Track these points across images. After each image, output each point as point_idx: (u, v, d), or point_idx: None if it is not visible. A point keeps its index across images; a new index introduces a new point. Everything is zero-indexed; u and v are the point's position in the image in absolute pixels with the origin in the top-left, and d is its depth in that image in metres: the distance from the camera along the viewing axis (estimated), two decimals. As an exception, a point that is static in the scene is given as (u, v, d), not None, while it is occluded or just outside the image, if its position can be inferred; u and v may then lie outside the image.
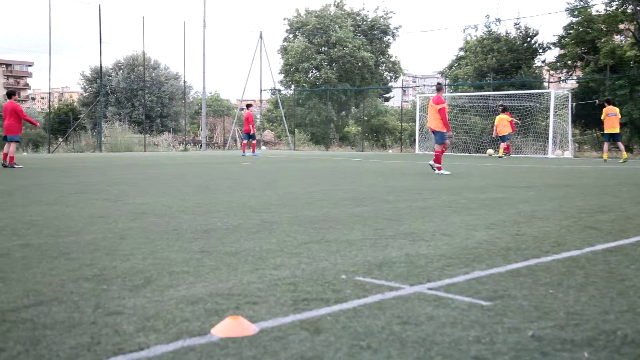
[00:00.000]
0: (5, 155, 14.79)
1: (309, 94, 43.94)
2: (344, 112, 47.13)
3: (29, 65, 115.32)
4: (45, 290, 3.17)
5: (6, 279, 3.40)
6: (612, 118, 19.86)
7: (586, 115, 29.90)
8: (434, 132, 13.77)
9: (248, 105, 25.31)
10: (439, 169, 13.26)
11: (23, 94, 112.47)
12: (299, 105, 43.69)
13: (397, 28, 47.19)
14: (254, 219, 5.84)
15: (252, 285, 3.32)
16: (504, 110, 24.56)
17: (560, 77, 34.88)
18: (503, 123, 24.12)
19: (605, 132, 20.38)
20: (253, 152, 24.49)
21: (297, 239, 4.78)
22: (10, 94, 15.62)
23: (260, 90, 39.93)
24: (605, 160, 20.25)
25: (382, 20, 46.76)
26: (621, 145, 20.90)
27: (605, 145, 21.22)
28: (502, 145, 24.27)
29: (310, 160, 20.57)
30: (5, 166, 14.57)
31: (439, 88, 14.66)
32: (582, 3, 32.02)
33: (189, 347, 2.36)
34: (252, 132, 24.26)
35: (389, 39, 47.56)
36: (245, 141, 24.69)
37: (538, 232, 5.21)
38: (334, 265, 3.84)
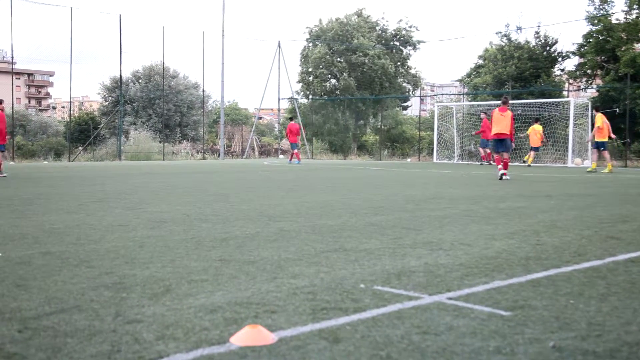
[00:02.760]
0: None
1: (327, 102, 44.01)
2: (362, 121, 47.13)
3: (50, 75, 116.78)
4: (66, 298, 3.20)
5: (28, 287, 3.44)
6: (607, 126, 20.01)
7: (606, 124, 29.58)
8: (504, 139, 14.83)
9: (292, 118, 29.33)
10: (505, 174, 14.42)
11: (44, 103, 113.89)
12: (316, 114, 43.76)
13: (419, 42, 47.03)
14: (272, 228, 5.84)
15: (271, 294, 3.32)
16: (537, 120, 24.70)
17: (579, 86, 34.60)
18: (536, 134, 24.21)
19: (596, 140, 20.22)
20: (297, 160, 26.09)
21: (315, 247, 4.77)
22: None
23: (279, 99, 40.09)
24: (594, 170, 20.11)
25: (404, 32, 46.68)
26: (606, 154, 20.70)
27: (595, 154, 20.94)
28: (532, 153, 24.33)
29: (328, 169, 20.58)
30: None
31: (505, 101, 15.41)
32: (602, 12, 31.78)
33: (208, 356, 2.37)
34: (297, 142, 26.96)
35: (409, 51, 47.46)
36: (295, 150, 26.45)
37: (558, 242, 5.16)
38: (353, 274, 3.83)
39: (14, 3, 27.29)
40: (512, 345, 2.52)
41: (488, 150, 24.83)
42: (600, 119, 20.03)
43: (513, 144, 15.59)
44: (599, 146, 20.23)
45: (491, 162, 23.67)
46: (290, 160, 26.59)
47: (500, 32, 36.10)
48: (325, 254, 4.52)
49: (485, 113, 26.94)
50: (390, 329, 2.72)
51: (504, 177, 14.36)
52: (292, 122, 27.11)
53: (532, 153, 24.48)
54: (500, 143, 14.93)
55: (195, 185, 12.29)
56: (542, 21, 47.02)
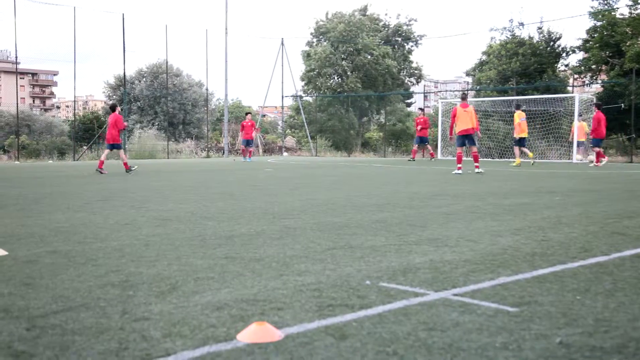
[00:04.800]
0: (102, 162, 15.78)
1: (331, 100, 43.99)
2: (365, 118, 47.11)
3: (54, 74, 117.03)
4: (73, 296, 3.21)
5: (35, 285, 3.45)
6: (524, 122, 20.99)
7: (611, 120, 29.52)
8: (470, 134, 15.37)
9: (248, 113, 27.10)
10: (459, 169, 14.90)
11: (48, 102, 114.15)
12: (320, 112, 43.75)
13: (420, 36, 47.08)
14: (278, 225, 5.85)
15: (277, 291, 3.33)
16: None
17: (584, 81, 34.49)
18: (583, 130, 24.43)
19: (518, 136, 21.04)
20: (249, 157, 25.75)
21: (320, 245, 4.78)
22: (112, 108, 16.68)
23: (282, 96, 40.07)
24: (519, 165, 20.61)
25: (405, 27, 46.70)
26: (526, 150, 21.30)
27: (517, 150, 21.50)
28: (581, 149, 24.89)
29: (332, 167, 20.58)
30: (101, 173, 15.37)
31: (464, 97, 16.42)
32: (605, 7, 31.65)
33: (216, 353, 2.38)
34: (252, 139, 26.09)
35: (411, 46, 47.49)
36: (250, 148, 25.93)
37: (564, 238, 5.15)
38: (358, 271, 3.84)
39: (18, 3, 27.34)
40: (519, 341, 2.53)
41: (415, 147, 26.10)
42: (518, 116, 20.95)
43: (479, 134, 16.11)
44: (520, 142, 21.01)
45: (430, 157, 25.26)
46: (247, 157, 25.79)
47: (497, 28, 36.05)
48: (330, 251, 4.52)
49: (422, 110, 27.21)
50: (397, 325, 2.73)
51: (476, 170, 15.08)
52: (249, 118, 25.84)
53: (581, 149, 24.93)
54: (467, 138, 15.36)
55: (199, 183, 12.31)
56: (544, 16, 46.78)
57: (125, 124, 17.80)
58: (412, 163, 23.25)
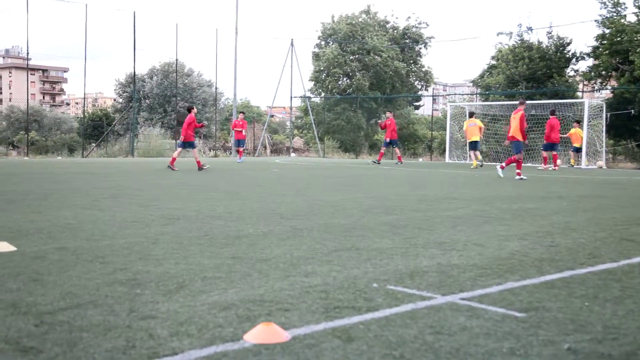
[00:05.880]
0: (174, 159, 16.72)
1: (339, 101, 43.99)
2: (373, 120, 47.11)
3: (65, 71, 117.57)
4: (81, 293, 3.22)
5: (43, 282, 3.46)
6: (472, 128, 22.01)
7: (620, 126, 29.40)
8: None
9: (242, 112, 25.83)
10: (519, 174, 14.68)
11: (58, 99, 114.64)
12: (328, 112, 43.77)
13: (429, 38, 47.11)
14: (285, 226, 5.85)
15: (284, 292, 3.33)
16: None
17: (594, 87, 34.35)
18: (579, 135, 24.51)
19: (469, 140, 22.31)
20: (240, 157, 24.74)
21: (327, 246, 4.78)
22: (189, 109, 17.46)
23: (291, 97, 40.07)
24: (476, 167, 21.74)
25: (414, 29, 46.69)
26: (478, 154, 22.56)
27: (472, 154, 22.78)
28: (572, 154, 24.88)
29: (339, 168, 20.57)
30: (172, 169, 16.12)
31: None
32: (613, 14, 31.47)
33: (222, 353, 2.38)
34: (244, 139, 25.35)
35: (420, 49, 47.48)
36: (240, 148, 25.01)
37: (572, 244, 5.13)
38: (365, 273, 3.83)
39: (30, 0, 27.51)
40: (527, 347, 2.51)
41: (382, 150, 25.53)
42: (465, 123, 22.51)
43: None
44: (473, 146, 22.30)
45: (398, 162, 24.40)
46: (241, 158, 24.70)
47: (505, 32, 35.93)
48: (337, 252, 4.52)
49: (389, 111, 26.45)
50: (404, 328, 2.72)
51: (508, 174, 15.13)
52: (241, 117, 24.30)
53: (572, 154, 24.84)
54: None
55: (207, 182, 12.33)
56: (553, 22, 46.66)
57: (204, 123, 19.02)
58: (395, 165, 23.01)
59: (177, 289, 3.34)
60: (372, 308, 3.04)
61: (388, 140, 24.51)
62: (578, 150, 24.18)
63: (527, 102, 29.41)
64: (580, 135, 24.54)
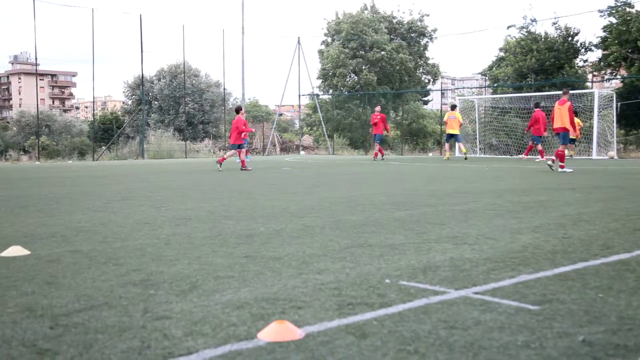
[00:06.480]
0: (223, 159, 17.53)
1: (347, 98, 43.96)
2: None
3: (73, 75, 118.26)
4: (95, 295, 3.24)
5: (58, 284, 3.49)
6: (452, 120, 23.29)
7: (631, 116, 29.19)
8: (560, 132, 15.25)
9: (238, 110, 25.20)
10: (562, 167, 14.55)
11: (67, 103, 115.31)
12: (337, 109, 43.75)
13: (433, 30, 47.07)
14: (296, 224, 5.86)
15: (297, 289, 3.33)
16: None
17: (603, 77, 34.13)
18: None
19: (447, 132, 23.77)
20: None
21: (339, 243, 4.78)
22: (237, 110, 18.06)
23: (299, 95, 40.11)
24: (448, 159, 23.41)
25: (418, 22, 46.63)
26: (462, 146, 24.63)
27: (447, 145, 24.60)
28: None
29: (349, 165, 20.57)
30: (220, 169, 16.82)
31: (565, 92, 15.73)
32: (622, 3, 31.21)
33: (237, 352, 2.39)
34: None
35: (426, 42, 47.40)
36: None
37: (585, 235, 5.11)
38: (378, 269, 3.83)
39: (37, 5, 27.61)
40: (541, 339, 2.51)
41: (378, 146, 25.15)
42: (447, 115, 23.85)
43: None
44: (450, 138, 23.79)
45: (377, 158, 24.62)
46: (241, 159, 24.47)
47: (514, 25, 35.74)
48: (349, 249, 4.52)
49: (379, 106, 26.10)
50: (417, 324, 2.72)
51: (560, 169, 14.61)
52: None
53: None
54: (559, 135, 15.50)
55: (218, 182, 12.36)
56: (561, 12, 46.52)
57: (252, 130, 19.34)
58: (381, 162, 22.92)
59: (191, 289, 3.35)
60: (386, 304, 3.04)
61: (377, 135, 24.36)
62: (572, 141, 23.94)
63: (536, 93, 29.40)
64: (578, 124, 24.32)
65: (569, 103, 14.85)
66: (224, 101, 40.74)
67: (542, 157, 21.60)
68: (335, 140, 39.66)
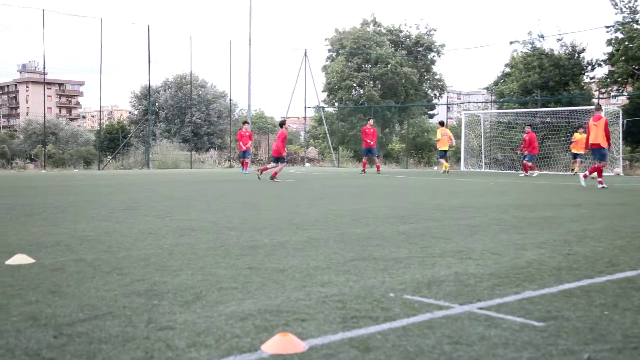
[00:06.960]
0: (265, 169, 17.97)
1: (352, 111, 44.06)
2: (387, 129, 47.11)
3: (80, 85, 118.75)
4: (99, 305, 3.24)
5: (62, 293, 3.49)
6: (444, 137, 24.26)
7: (637, 132, 29.14)
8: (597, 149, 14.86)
9: (245, 122, 25.32)
10: (601, 182, 14.39)
11: (74, 112, 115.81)
12: (343, 121, 43.84)
13: (441, 46, 47.24)
14: (300, 236, 5.86)
15: (301, 302, 3.33)
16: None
17: (609, 94, 34.11)
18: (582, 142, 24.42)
19: (440, 149, 24.77)
20: (246, 169, 23.90)
21: (343, 256, 4.77)
22: (281, 124, 18.42)
23: (305, 107, 40.15)
24: (446, 171, 24.17)
25: (425, 37, 46.80)
26: (442, 160, 25.02)
27: (442, 160, 25.10)
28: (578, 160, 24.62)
29: (354, 177, 20.56)
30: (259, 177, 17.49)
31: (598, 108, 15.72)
32: (629, 19, 31.25)
33: (240, 364, 2.38)
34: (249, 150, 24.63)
35: (433, 56, 47.55)
36: (246, 159, 24.18)
37: (590, 252, 5.09)
38: (382, 283, 3.82)
39: (46, 15, 27.82)
40: (546, 356, 2.49)
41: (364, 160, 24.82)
42: (440, 132, 24.77)
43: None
44: (443, 155, 24.75)
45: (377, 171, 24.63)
46: (243, 168, 23.78)
47: (518, 41, 35.80)
48: (354, 262, 4.51)
49: (370, 119, 25.77)
50: (421, 338, 2.71)
51: (599, 185, 14.36)
52: (246, 128, 23.97)
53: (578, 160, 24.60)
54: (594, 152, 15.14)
55: (222, 193, 12.37)
56: (565, 29, 46.60)
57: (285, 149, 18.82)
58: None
59: (194, 300, 3.35)
60: (390, 318, 3.03)
61: (367, 149, 24.03)
62: (576, 156, 23.98)
63: (542, 109, 29.37)
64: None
65: (604, 119, 14.80)
66: (230, 112, 40.85)
67: (527, 173, 22.29)
68: (340, 153, 39.67)
